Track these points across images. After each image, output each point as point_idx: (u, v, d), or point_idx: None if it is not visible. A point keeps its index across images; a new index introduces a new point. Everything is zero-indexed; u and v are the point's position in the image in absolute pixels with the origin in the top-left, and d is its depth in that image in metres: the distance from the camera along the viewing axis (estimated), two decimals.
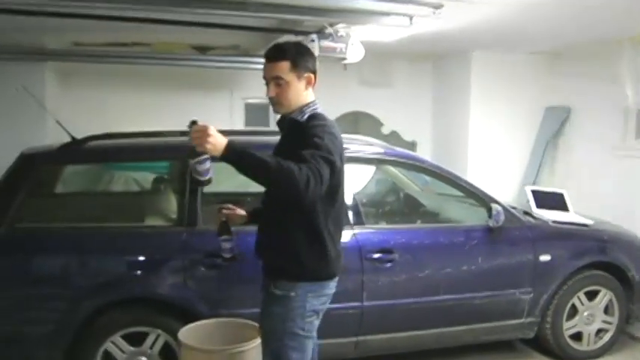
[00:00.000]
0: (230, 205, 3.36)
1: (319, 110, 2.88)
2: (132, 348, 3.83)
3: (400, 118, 9.24)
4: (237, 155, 2.50)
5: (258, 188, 4.10)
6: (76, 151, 4.16)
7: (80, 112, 6.89)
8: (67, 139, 4.20)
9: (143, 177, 6.14)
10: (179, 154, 4.17)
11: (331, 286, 2.91)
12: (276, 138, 3.11)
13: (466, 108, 8.66)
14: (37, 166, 4.02)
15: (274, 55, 2.82)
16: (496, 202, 4.48)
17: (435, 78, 9.53)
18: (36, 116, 6.46)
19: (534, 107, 8.69)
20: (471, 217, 4.67)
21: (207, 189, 4.07)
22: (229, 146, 2.49)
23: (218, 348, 3.46)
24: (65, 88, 7.76)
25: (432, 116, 9.61)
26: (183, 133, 4.32)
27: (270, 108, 7.29)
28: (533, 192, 5.24)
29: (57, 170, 4.54)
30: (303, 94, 2.87)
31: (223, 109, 8.55)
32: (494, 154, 8.60)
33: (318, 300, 2.84)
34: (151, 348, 3.86)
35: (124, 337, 3.81)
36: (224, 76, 8.14)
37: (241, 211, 3.34)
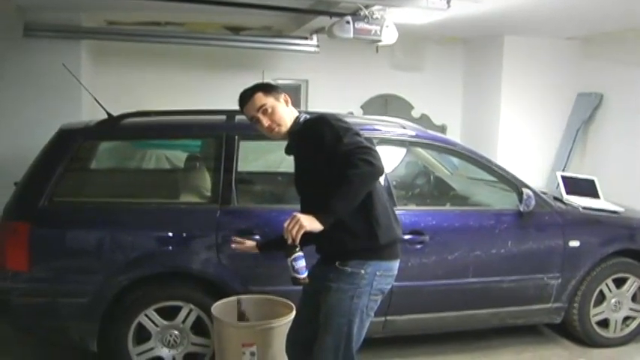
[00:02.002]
0: (238, 239, 3.54)
1: (308, 116, 3.07)
2: (165, 322, 3.91)
3: (430, 102, 9.22)
4: (332, 215, 2.71)
5: (288, 167, 4.19)
6: (113, 127, 4.23)
7: (113, 90, 6.94)
8: (101, 117, 4.26)
9: (175, 155, 6.23)
10: (213, 132, 4.26)
11: (396, 268, 3.01)
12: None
13: (497, 92, 8.63)
14: (75, 142, 4.07)
15: (247, 95, 3.07)
16: (527, 186, 4.48)
17: (466, 62, 9.48)
18: (71, 93, 6.56)
19: (566, 93, 8.63)
20: (501, 201, 4.67)
21: (241, 167, 4.18)
22: (322, 216, 2.70)
23: (250, 323, 3.53)
24: (99, 66, 7.84)
25: (462, 100, 9.58)
26: (215, 112, 4.45)
27: (303, 88, 7.36)
28: (564, 178, 5.23)
29: (94, 146, 4.63)
30: (288, 111, 3.07)
31: None
32: (524, 139, 8.57)
33: (384, 280, 2.93)
34: (184, 322, 3.93)
35: (158, 311, 3.89)
36: (256, 57, 8.17)
37: (251, 243, 3.50)
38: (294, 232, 2.67)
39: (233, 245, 3.53)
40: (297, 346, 3.16)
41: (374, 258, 2.90)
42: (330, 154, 2.76)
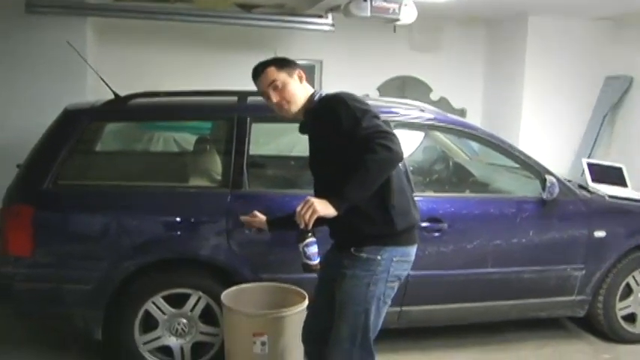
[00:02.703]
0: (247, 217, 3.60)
1: (324, 92, 3.05)
2: (173, 309, 3.93)
3: (450, 84, 9.19)
4: (347, 201, 2.72)
5: (301, 151, 4.19)
6: (119, 108, 4.26)
7: (119, 69, 6.94)
8: (108, 97, 4.29)
9: (183, 137, 6.26)
10: (224, 113, 4.28)
11: (413, 253, 3.03)
12: None
13: (520, 75, 8.58)
14: (81, 123, 4.09)
15: (259, 68, 3.06)
16: (551, 173, 4.46)
17: (488, 43, 9.43)
18: (76, 72, 6.57)
19: (593, 76, 8.58)
20: (523, 188, 4.66)
21: (253, 150, 4.19)
22: (336, 201, 2.72)
23: (261, 312, 3.56)
24: (105, 44, 7.85)
25: (483, 83, 9.53)
26: (226, 93, 4.46)
27: (317, 69, 7.34)
28: (590, 165, 5.21)
29: (100, 127, 4.67)
30: (302, 89, 3.05)
31: None
32: (548, 125, 8.53)
33: (401, 265, 2.95)
34: (192, 310, 3.96)
35: (165, 299, 3.92)
36: (268, 36, 8.16)
37: (261, 217, 3.56)
38: (306, 216, 2.68)
39: (242, 217, 3.60)
40: (313, 336, 3.18)
41: (390, 243, 2.91)
42: (346, 136, 2.76)
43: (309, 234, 2.81)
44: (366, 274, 2.89)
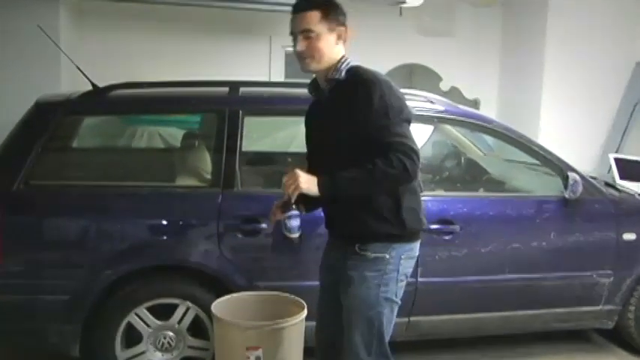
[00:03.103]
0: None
1: (353, 63, 3.01)
2: (158, 322, 3.94)
3: (462, 73, 9.19)
4: (335, 189, 2.79)
5: (299, 147, 4.19)
6: (98, 100, 4.26)
7: (98, 57, 6.96)
8: (85, 88, 4.28)
9: (170, 132, 6.27)
10: (214, 106, 4.28)
11: (418, 248, 3.07)
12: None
13: (540, 62, 8.58)
14: (55, 117, 4.09)
15: (303, 5, 2.94)
16: (574, 170, 4.47)
17: (505, 26, 9.43)
18: (49, 61, 6.56)
19: (622, 62, 8.57)
20: (543, 187, 4.68)
21: (246, 146, 4.21)
22: (322, 182, 2.78)
23: (256, 323, 3.55)
24: (81, 29, 7.84)
25: (499, 71, 9.54)
26: (217, 84, 4.46)
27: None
28: (618, 160, 5.24)
29: (76, 122, 4.65)
30: (335, 49, 2.97)
31: (261, 58, 8.58)
32: (571, 116, 8.52)
33: (408, 263, 2.99)
34: (180, 322, 3.97)
35: (150, 310, 3.92)
36: (262, 20, 8.16)
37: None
38: (290, 190, 2.76)
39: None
40: (325, 347, 3.25)
41: (397, 240, 2.94)
42: (366, 127, 2.78)
43: (293, 206, 2.91)
44: (376, 275, 2.91)
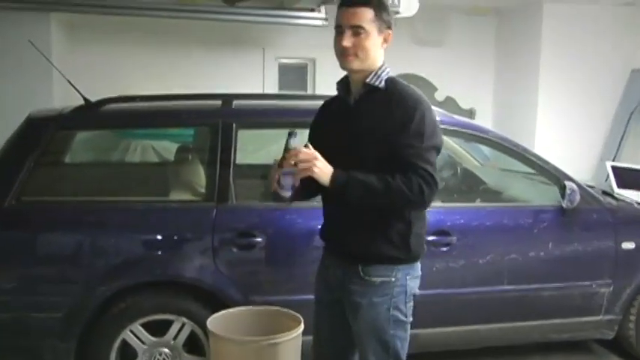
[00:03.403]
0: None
1: (391, 74, 2.91)
2: (153, 338, 3.93)
3: (457, 83, 9.22)
4: (345, 189, 2.70)
5: None
6: (91, 115, 4.27)
7: (90, 70, 6.99)
8: (78, 102, 4.29)
9: (163, 146, 6.27)
10: (207, 119, 4.29)
11: (420, 267, 2.99)
12: (313, 103, 3.24)
13: (535, 70, 8.62)
14: (47, 132, 4.09)
15: (358, 0, 2.81)
16: (571, 179, 4.47)
17: (499, 35, 9.49)
18: (42, 75, 6.59)
19: (618, 69, 8.61)
20: (540, 196, 4.69)
21: (240, 159, 4.21)
22: (336, 175, 2.70)
23: (252, 338, 3.55)
24: (73, 43, 7.88)
25: (494, 80, 9.58)
26: (209, 97, 4.46)
27: (309, 68, 7.28)
28: (615, 169, 5.24)
29: (69, 136, 4.65)
30: (379, 52, 2.87)
31: (254, 71, 8.61)
32: (567, 125, 8.56)
33: (414, 282, 2.92)
34: (175, 338, 3.96)
35: (145, 326, 3.91)
36: (255, 32, 8.20)
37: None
38: (301, 168, 2.66)
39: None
40: None
41: (401, 263, 2.87)
42: (397, 143, 2.71)
43: (291, 168, 2.72)
44: (384, 299, 2.85)
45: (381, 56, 2.88)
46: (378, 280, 2.84)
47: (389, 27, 2.85)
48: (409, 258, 2.88)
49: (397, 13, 6.29)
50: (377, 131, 2.77)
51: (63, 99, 5.43)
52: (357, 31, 2.78)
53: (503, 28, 9.38)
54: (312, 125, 3.13)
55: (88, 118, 4.31)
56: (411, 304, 2.94)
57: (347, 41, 2.79)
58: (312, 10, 7.71)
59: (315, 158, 2.67)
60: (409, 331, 2.96)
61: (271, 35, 8.24)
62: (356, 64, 2.82)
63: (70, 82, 4.32)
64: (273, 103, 4.89)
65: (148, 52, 8.09)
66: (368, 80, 2.85)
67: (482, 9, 9.06)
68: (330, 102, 3.13)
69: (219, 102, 4.41)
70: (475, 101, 9.31)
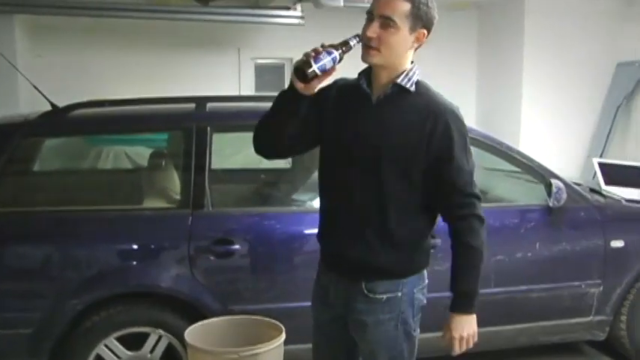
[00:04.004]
0: None
1: (420, 78, 2.71)
2: (129, 352, 3.90)
3: (438, 80, 9.09)
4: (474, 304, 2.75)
5: (271, 164, 4.17)
6: (58, 121, 4.25)
7: (57, 75, 6.95)
8: (46, 107, 4.26)
9: (136, 152, 6.25)
10: (181, 123, 4.28)
11: (426, 275, 2.91)
12: None
13: (519, 65, 8.64)
14: (12, 139, 4.05)
15: None
16: (557, 177, 4.49)
17: (481, 31, 9.51)
18: (6, 79, 6.53)
19: (603, 63, 8.64)
20: (526, 195, 4.71)
21: (216, 164, 4.19)
22: (466, 307, 2.75)
23: (232, 350, 3.53)
24: (39, 46, 7.82)
25: (476, 77, 9.61)
26: (183, 100, 4.45)
27: (287, 69, 7.18)
28: (602, 165, 5.25)
29: (37, 144, 4.62)
30: (408, 52, 2.66)
31: (229, 72, 8.58)
32: (553, 121, 8.58)
33: (422, 293, 2.84)
34: (152, 352, 3.93)
35: (120, 340, 3.88)
36: (229, 32, 8.18)
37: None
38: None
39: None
40: None
41: (409, 274, 2.77)
42: (430, 156, 2.59)
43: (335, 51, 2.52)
44: (391, 316, 2.75)
45: (410, 56, 2.68)
46: (384, 296, 2.71)
47: (425, 27, 2.62)
48: (416, 269, 2.80)
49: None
50: (401, 142, 2.60)
51: (29, 105, 5.39)
52: (387, 22, 2.54)
53: (485, 23, 9.39)
54: (324, 98, 2.75)
55: (56, 124, 4.29)
56: (419, 315, 2.85)
57: (372, 31, 2.56)
58: (288, 8, 7.71)
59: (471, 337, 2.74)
60: (417, 343, 2.89)
61: (246, 35, 8.23)
62: (376, 59, 2.61)
63: (35, 87, 4.30)
64: (248, 105, 4.86)
65: (117, 55, 8.05)
66: (399, 81, 2.63)
67: (462, 3, 9.07)
68: (346, 86, 2.81)
69: (192, 105, 4.40)
70: (457, 98, 9.17)
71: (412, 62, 2.70)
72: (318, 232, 2.90)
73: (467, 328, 2.67)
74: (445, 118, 2.60)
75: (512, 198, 4.83)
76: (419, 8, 2.56)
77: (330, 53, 2.49)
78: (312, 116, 2.70)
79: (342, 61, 2.52)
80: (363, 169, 2.65)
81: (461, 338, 2.67)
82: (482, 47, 9.48)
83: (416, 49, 2.68)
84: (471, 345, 2.68)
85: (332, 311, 2.86)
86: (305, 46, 2.68)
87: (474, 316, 2.68)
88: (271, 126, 2.72)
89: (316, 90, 2.55)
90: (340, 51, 2.52)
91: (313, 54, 2.47)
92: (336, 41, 2.55)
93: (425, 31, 2.62)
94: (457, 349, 2.68)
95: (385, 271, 2.71)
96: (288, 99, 2.59)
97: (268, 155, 2.95)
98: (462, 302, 2.69)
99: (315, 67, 2.46)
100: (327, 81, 2.60)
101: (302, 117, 2.64)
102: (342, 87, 2.80)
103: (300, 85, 2.49)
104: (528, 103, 8.58)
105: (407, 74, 2.65)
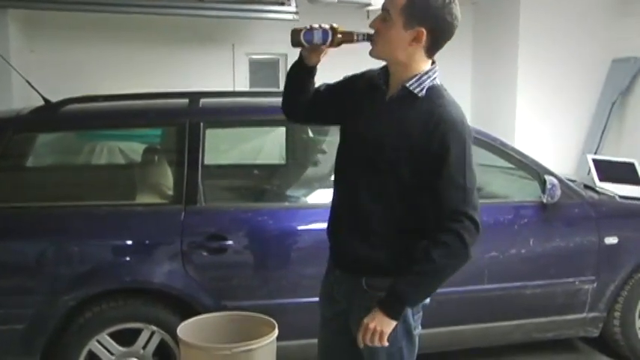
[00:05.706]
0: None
1: (438, 81, 2.70)
2: (121, 348, 3.91)
3: None
4: (407, 305, 2.63)
5: (265, 159, 4.17)
6: (51, 116, 4.25)
7: (51, 71, 6.93)
8: (39, 103, 4.26)
9: (130, 147, 6.23)
10: (174, 119, 4.28)
11: None
12: None
13: (513, 61, 8.64)
14: (5, 134, 4.06)
15: None
16: (551, 173, 4.50)
17: (476, 26, 9.49)
18: None
19: (599, 59, 8.64)
20: (520, 191, 4.72)
21: (209, 160, 4.19)
22: (393, 306, 2.59)
23: (225, 346, 3.54)
24: (33, 42, 7.80)
25: (470, 72, 9.60)
26: (176, 95, 4.45)
27: (281, 64, 7.25)
28: (597, 162, 5.25)
29: (29, 139, 4.62)
30: (407, 50, 2.60)
31: (224, 67, 8.57)
32: (547, 118, 8.58)
33: None
34: (144, 348, 3.94)
35: (112, 336, 3.89)
36: (224, 28, 8.17)
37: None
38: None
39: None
40: None
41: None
42: (433, 179, 2.55)
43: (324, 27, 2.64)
44: None
45: (420, 57, 2.64)
46: (384, 293, 2.67)
47: (426, 27, 2.55)
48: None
49: (369, 5, 6.31)
50: (397, 146, 2.58)
51: (23, 100, 5.38)
52: (384, 15, 2.58)
53: (479, 18, 9.38)
54: (351, 87, 2.86)
55: (48, 120, 4.29)
56: (420, 314, 2.83)
57: (372, 22, 2.63)
58: (282, 3, 7.70)
59: (383, 333, 2.59)
60: (417, 343, 2.84)
61: (241, 31, 8.22)
62: (374, 52, 2.64)
63: (28, 82, 4.29)
64: (242, 100, 4.87)
65: (111, 51, 8.03)
66: (408, 84, 2.61)
67: None
68: (372, 79, 2.80)
69: (186, 101, 4.40)
70: (452, 93, 9.29)
71: (433, 64, 2.69)
72: (327, 228, 2.91)
73: (380, 323, 2.56)
74: (446, 129, 2.55)
75: (506, 194, 4.83)
76: (414, 5, 2.52)
77: (324, 32, 2.65)
78: (335, 100, 2.87)
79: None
80: (365, 166, 2.67)
81: (367, 327, 2.56)
82: (477, 43, 9.48)
83: (429, 52, 2.65)
84: (375, 342, 2.56)
85: (337, 307, 2.87)
86: None
87: (394, 323, 2.56)
88: (288, 91, 2.94)
89: (320, 59, 2.77)
90: (338, 36, 2.65)
91: (309, 26, 2.65)
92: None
93: (424, 31, 2.55)
94: (360, 338, 2.60)
95: (385, 268, 2.68)
96: (295, 65, 2.85)
97: (294, 119, 3.11)
98: (388, 302, 2.57)
99: (301, 35, 2.66)
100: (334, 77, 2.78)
101: (312, 88, 2.91)
102: (369, 79, 2.81)
103: (304, 53, 2.73)
104: (523, 98, 8.58)
105: (419, 78, 2.62)
